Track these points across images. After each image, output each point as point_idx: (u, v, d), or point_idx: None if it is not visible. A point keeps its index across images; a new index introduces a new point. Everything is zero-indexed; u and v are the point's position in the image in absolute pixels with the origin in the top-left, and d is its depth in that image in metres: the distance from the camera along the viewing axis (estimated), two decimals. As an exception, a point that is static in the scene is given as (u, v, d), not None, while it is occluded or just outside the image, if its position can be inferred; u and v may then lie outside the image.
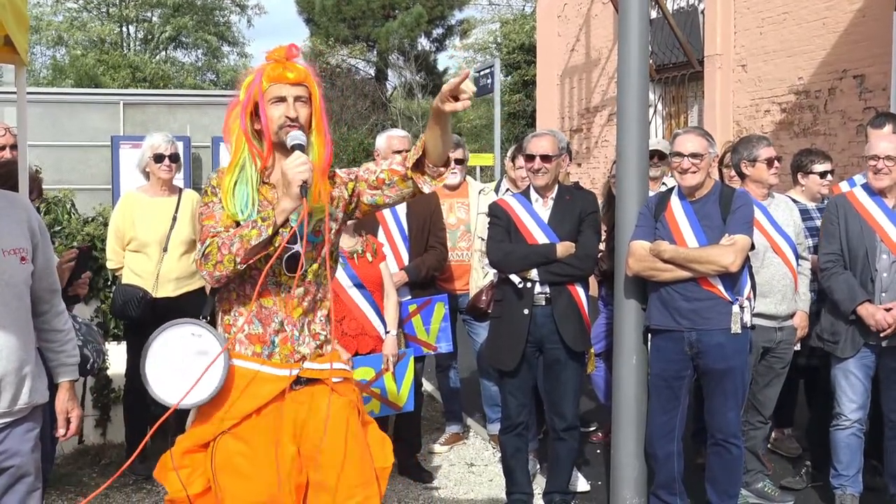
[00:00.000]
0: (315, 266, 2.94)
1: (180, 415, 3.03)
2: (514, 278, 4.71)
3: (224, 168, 2.93)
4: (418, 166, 2.92)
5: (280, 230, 2.78)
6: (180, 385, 2.81)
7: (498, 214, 4.85)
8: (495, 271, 4.97)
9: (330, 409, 2.89)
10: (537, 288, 4.69)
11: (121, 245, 5.57)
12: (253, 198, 2.86)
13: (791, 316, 4.99)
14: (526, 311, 4.69)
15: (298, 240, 2.82)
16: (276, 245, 2.78)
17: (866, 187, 4.78)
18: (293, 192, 2.71)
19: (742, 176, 5.02)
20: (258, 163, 2.90)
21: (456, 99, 2.75)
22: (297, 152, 2.76)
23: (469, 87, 2.72)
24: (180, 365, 2.83)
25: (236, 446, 2.86)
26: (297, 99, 2.86)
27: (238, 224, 2.83)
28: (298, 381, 2.93)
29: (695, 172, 4.45)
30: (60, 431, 3.20)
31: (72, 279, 4.09)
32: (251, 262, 2.77)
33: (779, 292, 4.89)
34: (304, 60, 2.94)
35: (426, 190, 2.94)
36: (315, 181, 2.80)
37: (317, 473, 2.91)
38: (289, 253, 2.85)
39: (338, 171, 3.04)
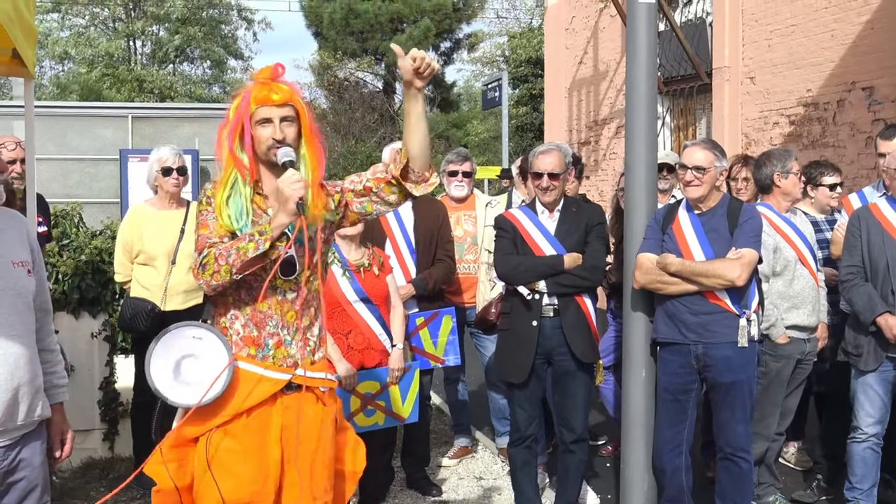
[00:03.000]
0: (307, 272, 3.01)
1: (170, 417, 3.06)
2: (523, 290, 4.69)
3: (217, 181, 3.03)
4: (404, 174, 3.02)
5: (276, 243, 2.87)
6: (185, 386, 2.88)
7: (504, 227, 4.84)
8: (503, 284, 4.96)
9: (310, 417, 2.99)
10: (545, 300, 4.67)
11: (129, 258, 5.57)
12: (247, 209, 2.97)
13: (817, 327, 4.99)
14: (534, 323, 4.67)
15: (294, 246, 2.92)
16: (274, 258, 2.88)
17: (890, 199, 4.72)
18: (290, 208, 2.82)
19: (767, 188, 4.97)
20: (247, 178, 3.00)
21: (420, 75, 2.89)
22: (291, 170, 2.87)
23: (418, 54, 2.86)
24: (184, 367, 2.90)
25: (227, 443, 2.92)
26: (283, 119, 2.96)
27: (233, 234, 2.92)
28: (289, 387, 3.00)
29: (697, 185, 4.42)
30: (57, 453, 3.20)
31: None
32: (247, 272, 2.86)
33: (809, 304, 4.88)
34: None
35: (417, 193, 3.05)
36: (312, 194, 2.93)
37: (290, 477, 2.97)
38: (284, 257, 2.92)
39: (325, 182, 3.13)
